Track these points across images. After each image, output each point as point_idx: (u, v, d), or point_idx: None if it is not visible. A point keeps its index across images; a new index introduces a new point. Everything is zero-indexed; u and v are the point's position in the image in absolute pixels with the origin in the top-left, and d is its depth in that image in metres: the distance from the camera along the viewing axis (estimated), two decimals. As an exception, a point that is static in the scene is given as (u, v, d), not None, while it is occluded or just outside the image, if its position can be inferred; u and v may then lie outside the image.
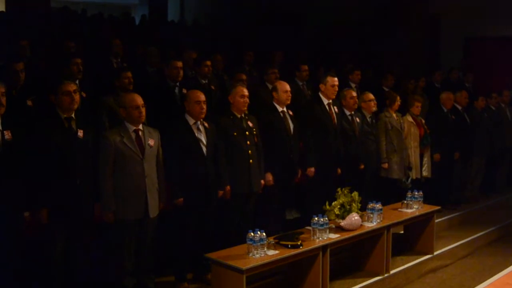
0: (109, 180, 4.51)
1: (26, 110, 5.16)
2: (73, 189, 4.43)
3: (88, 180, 4.53)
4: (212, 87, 6.70)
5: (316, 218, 5.02)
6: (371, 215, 5.57)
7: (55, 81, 4.84)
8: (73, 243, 4.53)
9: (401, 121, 7.35)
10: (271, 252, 4.62)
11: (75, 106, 4.55)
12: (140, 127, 4.67)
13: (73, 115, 4.55)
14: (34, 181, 4.32)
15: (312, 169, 6.17)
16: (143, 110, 4.65)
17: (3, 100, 4.21)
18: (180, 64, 6.21)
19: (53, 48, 7.96)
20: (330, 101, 6.36)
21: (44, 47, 7.90)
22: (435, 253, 6.47)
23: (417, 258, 6.28)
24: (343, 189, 5.46)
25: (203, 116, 5.11)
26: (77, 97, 4.56)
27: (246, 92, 5.51)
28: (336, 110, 6.41)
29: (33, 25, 8.86)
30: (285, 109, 5.99)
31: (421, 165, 7.63)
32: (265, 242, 4.57)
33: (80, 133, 4.53)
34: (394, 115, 7.28)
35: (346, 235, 5.22)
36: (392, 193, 6.80)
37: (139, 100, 4.64)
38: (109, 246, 4.74)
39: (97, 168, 4.54)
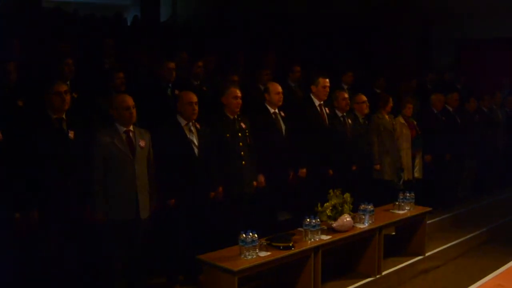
0: (99, 181, 4.49)
1: (17, 111, 5.12)
2: (63, 190, 4.41)
3: (79, 180, 4.51)
4: (204, 88, 6.68)
5: (308, 220, 5.02)
6: (363, 216, 5.58)
7: (46, 81, 4.81)
8: (63, 244, 4.50)
9: (393, 122, 7.36)
10: (263, 254, 4.61)
11: (66, 107, 4.54)
12: (131, 128, 4.66)
13: (64, 116, 4.53)
14: (25, 182, 4.29)
15: (304, 170, 6.17)
16: (134, 111, 4.63)
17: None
18: (172, 65, 6.19)
19: (44, 49, 7.91)
20: (322, 102, 6.37)
21: (36, 48, 7.85)
22: (427, 254, 6.48)
23: (409, 259, 6.29)
24: (335, 190, 5.46)
25: (195, 117, 5.11)
26: (68, 97, 4.54)
27: (239, 93, 5.50)
28: (327, 111, 6.41)
29: (24, 25, 8.81)
30: (277, 110, 5.98)
31: (413, 166, 7.65)
32: (257, 243, 4.56)
33: (71, 134, 4.51)
34: (387, 116, 7.29)
35: (338, 237, 5.23)
36: (384, 195, 6.80)
37: (130, 101, 4.62)
38: (100, 247, 4.71)
39: (88, 168, 4.51)
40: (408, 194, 6.32)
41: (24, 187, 4.30)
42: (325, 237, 5.12)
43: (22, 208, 4.32)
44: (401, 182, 7.41)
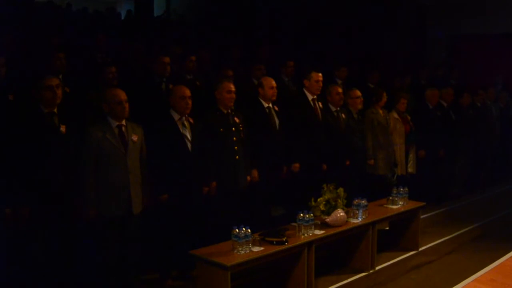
0: (91, 176, 4.46)
1: (7, 105, 5.08)
2: (55, 185, 4.37)
3: (70, 175, 4.47)
4: (198, 83, 6.65)
5: (301, 214, 5.00)
6: (357, 211, 5.57)
7: (37, 76, 4.78)
8: (55, 241, 4.47)
9: (387, 117, 7.36)
10: (256, 249, 4.59)
11: (58, 101, 4.51)
12: (123, 122, 4.63)
13: (55, 110, 4.50)
14: (15, 177, 4.26)
15: (297, 165, 6.16)
16: (126, 105, 4.60)
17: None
18: (167, 59, 6.16)
19: (36, 43, 7.86)
20: (315, 96, 6.36)
21: (27, 42, 7.79)
22: (420, 249, 6.48)
23: (402, 254, 6.29)
24: (329, 185, 5.45)
25: (188, 111, 5.09)
26: (59, 92, 4.51)
27: (232, 87, 5.48)
28: (320, 105, 6.40)
29: (16, 19, 8.75)
30: (270, 105, 5.97)
31: (407, 162, 7.64)
32: (250, 238, 4.54)
33: (63, 128, 4.48)
34: (381, 111, 7.28)
35: (332, 231, 5.21)
36: (377, 189, 6.80)
37: (122, 95, 4.59)
38: (92, 243, 4.68)
39: (79, 163, 4.48)
40: (401, 189, 6.31)
41: (15, 182, 4.26)
42: (319, 232, 5.10)
43: (12, 203, 4.29)
44: (395, 177, 7.41)
